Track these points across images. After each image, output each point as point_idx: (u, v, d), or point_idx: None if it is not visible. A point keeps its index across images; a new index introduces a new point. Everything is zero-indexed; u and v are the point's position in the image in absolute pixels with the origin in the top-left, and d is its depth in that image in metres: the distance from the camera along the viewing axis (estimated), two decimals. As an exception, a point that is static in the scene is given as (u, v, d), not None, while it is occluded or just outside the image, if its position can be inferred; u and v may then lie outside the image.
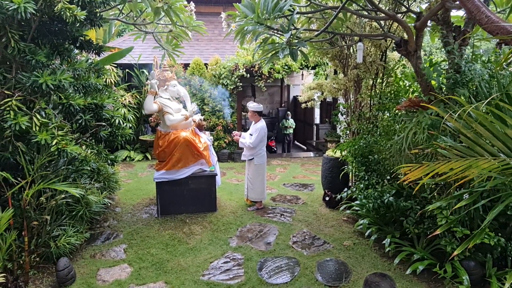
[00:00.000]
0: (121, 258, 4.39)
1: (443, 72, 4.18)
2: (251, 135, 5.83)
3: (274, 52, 3.56)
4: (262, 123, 5.84)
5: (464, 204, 2.34)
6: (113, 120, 4.79)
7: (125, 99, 9.14)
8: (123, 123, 7.01)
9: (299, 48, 3.54)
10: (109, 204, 5.66)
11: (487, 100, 1.68)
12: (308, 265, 4.25)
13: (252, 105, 5.88)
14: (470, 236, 3.38)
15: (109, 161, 5.43)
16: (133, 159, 9.43)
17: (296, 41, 3.57)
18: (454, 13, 4.50)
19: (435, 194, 4.01)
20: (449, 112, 1.81)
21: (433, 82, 4.27)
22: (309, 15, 4.74)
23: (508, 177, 1.70)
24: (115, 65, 9.08)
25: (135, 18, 5.54)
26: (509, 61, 4.15)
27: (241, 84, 9.43)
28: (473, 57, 4.15)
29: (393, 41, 4.75)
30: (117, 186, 5.85)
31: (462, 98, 3.71)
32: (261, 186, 5.96)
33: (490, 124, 1.55)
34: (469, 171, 1.49)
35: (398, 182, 4.14)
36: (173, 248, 4.60)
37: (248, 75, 9.33)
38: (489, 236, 3.45)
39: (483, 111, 2.13)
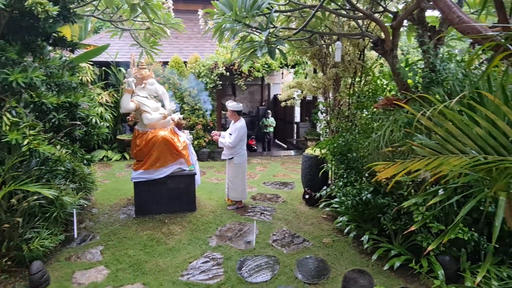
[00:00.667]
0: (97, 260, 4.29)
1: (419, 71, 4.26)
2: (230, 134, 5.78)
3: (252, 50, 3.54)
4: (241, 122, 5.79)
5: (438, 200, 2.40)
6: (89, 119, 4.67)
7: (102, 98, 8.95)
8: (100, 122, 6.86)
9: (278, 47, 3.54)
10: (85, 205, 5.53)
11: (456, 98, 1.72)
12: (288, 263, 4.26)
13: (231, 105, 5.82)
14: (444, 231, 3.46)
15: (85, 161, 5.29)
16: (111, 159, 9.24)
17: (275, 39, 3.57)
18: (429, 13, 4.60)
19: (412, 190, 4.09)
20: (421, 110, 1.84)
21: (409, 81, 4.35)
22: (288, 13, 4.75)
23: (479, 173, 1.75)
24: (92, 63, 8.88)
25: (111, 15, 5.42)
26: (481, 60, 4.26)
27: (220, 82, 9.37)
28: (448, 56, 4.25)
29: (371, 40, 4.82)
30: (94, 186, 5.72)
31: (437, 96, 3.80)
32: (242, 186, 5.93)
33: (460, 122, 1.59)
34: (441, 168, 1.52)
35: (373, 180, 4.20)
36: (152, 249, 4.53)
37: (228, 73, 9.28)
38: (463, 231, 3.55)
39: (457, 109, 2.18)
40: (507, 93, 2.08)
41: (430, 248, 2.71)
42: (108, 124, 8.63)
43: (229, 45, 8.76)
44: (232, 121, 5.89)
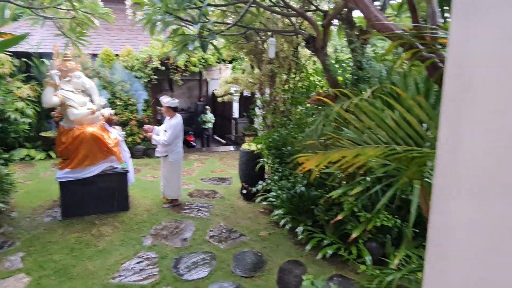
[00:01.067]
0: (17, 267, 3.94)
1: (349, 68, 4.48)
2: (165, 131, 5.58)
3: (184, 44, 3.47)
4: (177, 119, 5.56)
5: (362, 189, 2.54)
6: (5, 115, 4.26)
7: (22, 92, 8.20)
8: (20, 118, 6.29)
9: (211, 41, 3.50)
10: (2, 209, 5.04)
11: (368, 93, 1.84)
12: (225, 258, 4.26)
13: (166, 100, 5.58)
14: (368, 219, 3.69)
15: (2, 161, 4.83)
16: (34, 158, 8.50)
17: (208, 33, 3.52)
18: (359, 14, 4.84)
19: (343, 182, 4.29)
20: (343, 105, 1.95)
21: (340, 78, 4.55)
22: (224, 8, 4.72)
23: (393, 163, 1.88)
24: (10, 53, 8.09)
25: (31, 1, 4.99)
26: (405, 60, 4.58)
27: (156, 77, 9.07)
28: (374, 55, 4.51)
29: (303, 37, 4.95)
30: (13, 188, 5.23)
31: (364, 92, 4.01)
32: (177, 184, 5.77)
33: (374, 115, 1.70)
34: (358, 159, 1.61)
35: (296, 171, 4.34)
36: (80, 252, 4.27)
37: (164, 68, 9.02)
38: (388, 218, 3.80)
39: (377, 105, 2.31)
40: (420, 88, 2.26)
41: (354, 235, 2.87)
42: (30, 121, 7.94)
43: (163, 38, 8.49)
44: (167, 117, 5.69)
